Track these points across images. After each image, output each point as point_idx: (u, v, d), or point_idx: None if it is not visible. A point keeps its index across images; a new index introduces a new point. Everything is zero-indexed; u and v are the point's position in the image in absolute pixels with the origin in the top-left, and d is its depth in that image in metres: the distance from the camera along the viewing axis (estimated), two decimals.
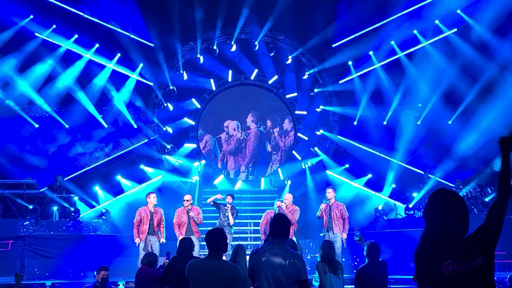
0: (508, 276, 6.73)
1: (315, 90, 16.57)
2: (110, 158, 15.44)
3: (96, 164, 15.31)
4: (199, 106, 16.79)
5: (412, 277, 2.73)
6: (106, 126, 15.21)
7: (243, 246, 6.61)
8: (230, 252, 7.02)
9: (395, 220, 13.28)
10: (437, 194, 2.76)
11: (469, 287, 2.53)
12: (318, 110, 16.67)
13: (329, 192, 10.17)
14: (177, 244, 9.32)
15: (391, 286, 6.59)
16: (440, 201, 2.72)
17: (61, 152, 14.69)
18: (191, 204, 10.00)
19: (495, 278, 8.20)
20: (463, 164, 13.57)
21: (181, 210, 9.97)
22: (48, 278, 10.01)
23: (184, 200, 9.97)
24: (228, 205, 10.42)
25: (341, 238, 9.81)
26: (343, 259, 11.07)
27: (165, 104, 16.10)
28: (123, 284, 9.19)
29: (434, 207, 2.72)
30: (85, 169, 15.16)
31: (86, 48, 14.97)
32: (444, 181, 13.83)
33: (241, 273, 4.33)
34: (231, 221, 10.32)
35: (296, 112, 17.07)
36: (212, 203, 10.50)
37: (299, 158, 16.65)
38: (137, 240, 9.61)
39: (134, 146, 15.75)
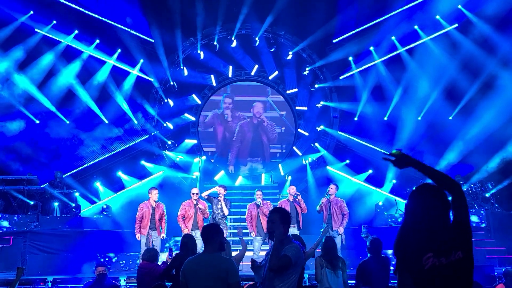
0: (503, 269, 6.78)
1: (316, 86, 16.56)
2: (110, 154, 15.45)
3: (97, 160, 15.32)
4: (199, 102, 16.78)
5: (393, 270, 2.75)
6: (106, 122, 15.20)
7: (227, 241, 6.69)
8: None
9: (395, 215, 13.29)
10: (418, 188, 2.83)
11: (449, 279, 2.58)
12: (319, 106, 16.66)
13: (332, 188, 10.25)
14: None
15: (392, 281, 6.59)
16: (421, 195, 2.77)
17: (62, 148, 14.69)
18: (199, 197, 9.99)
19: (495, 273, 8.23)
20: (463, 160, 13.57)
21: (188, 203, 9.97)
22: (50, 273, 10.02)
23: (192, 194, 9.96)
24: (220, 196, 10.31)
25: (339, 232, 9.87)
26: (344, 251, 11.15)
27: (166, 100, 16.10)
28: (124, 280, 9.19)
29: (415, 201, 2.78)
30: (86, 165, 15.17)
31: (86, 44, 14.96)
32: None
33: (235, 266, 4.38)
34: (226, 212, 10.15)
35: (297, 108, 17.06)
36: (206, 197, 10.37)
37: (300, 154, 16.66)
38: (138, 236, 9.64)
39: (134, 142, 15.75)
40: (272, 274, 4.23)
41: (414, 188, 2.86)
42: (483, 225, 11.59)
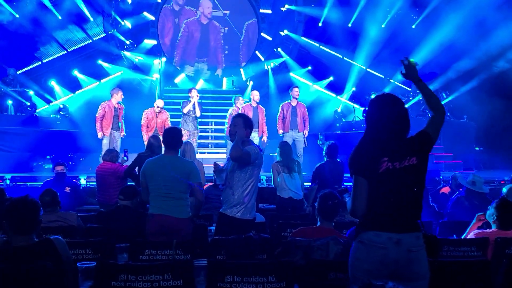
0: (452, 174, 7.28)
1: None
2: (66, 52, 14.78)
3: (51, 57, 14.65)
4: (159, 0, 15.98)
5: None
6: (60, 18, 14.33)
7: (190, 142, 6.85)
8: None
9: (352, 122, 13.68)
10: (381, 97, 2.88)
11: (400, 183, 2.72)
12: (283, 9, 16.22)
13: (297, 91, 10.17)
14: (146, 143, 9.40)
15: (345, 183, 6.97)
16: (379, 104, 2.83)
17: (13, 44, 13.87)
18: (162, 108, 9.96)
19: (441, 177, 8.79)
20: (422, 69, 13.79)
21: (150, 113, 9.93)
22: (7, 171, 9.96)
23: (156, 107, 9.89)
24: (193, 98, 10.20)
25: (305, 135, 10.06)
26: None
27: None
28: (84, 179, 9.26)
29: (373, 109, 2.84)
30: (39, 62, 14.51)
31: None
32: (403, 86, 14.15)
33: (197, 167, 4.49)
34: (198, 113, 10.17)
35: (261, 10, 16.55)
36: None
37: (262, 59, 16.47)
38: (100, 134, 9.58)
39: (91, 41, 15.04)
40: (233, 167, 4.36)
41: (375, 97, 2.89)
42: None
